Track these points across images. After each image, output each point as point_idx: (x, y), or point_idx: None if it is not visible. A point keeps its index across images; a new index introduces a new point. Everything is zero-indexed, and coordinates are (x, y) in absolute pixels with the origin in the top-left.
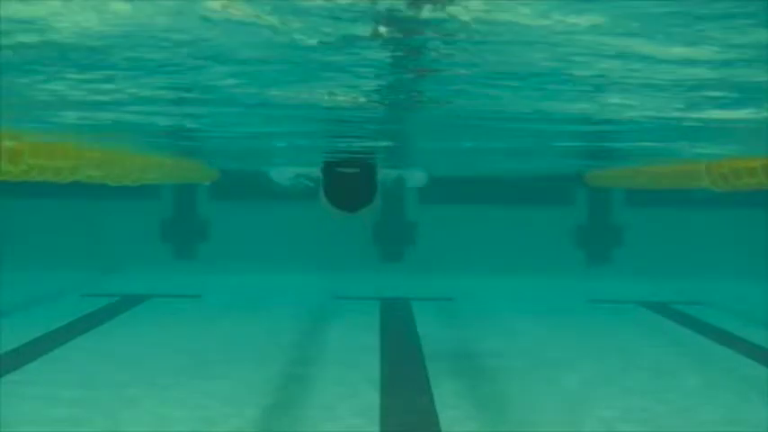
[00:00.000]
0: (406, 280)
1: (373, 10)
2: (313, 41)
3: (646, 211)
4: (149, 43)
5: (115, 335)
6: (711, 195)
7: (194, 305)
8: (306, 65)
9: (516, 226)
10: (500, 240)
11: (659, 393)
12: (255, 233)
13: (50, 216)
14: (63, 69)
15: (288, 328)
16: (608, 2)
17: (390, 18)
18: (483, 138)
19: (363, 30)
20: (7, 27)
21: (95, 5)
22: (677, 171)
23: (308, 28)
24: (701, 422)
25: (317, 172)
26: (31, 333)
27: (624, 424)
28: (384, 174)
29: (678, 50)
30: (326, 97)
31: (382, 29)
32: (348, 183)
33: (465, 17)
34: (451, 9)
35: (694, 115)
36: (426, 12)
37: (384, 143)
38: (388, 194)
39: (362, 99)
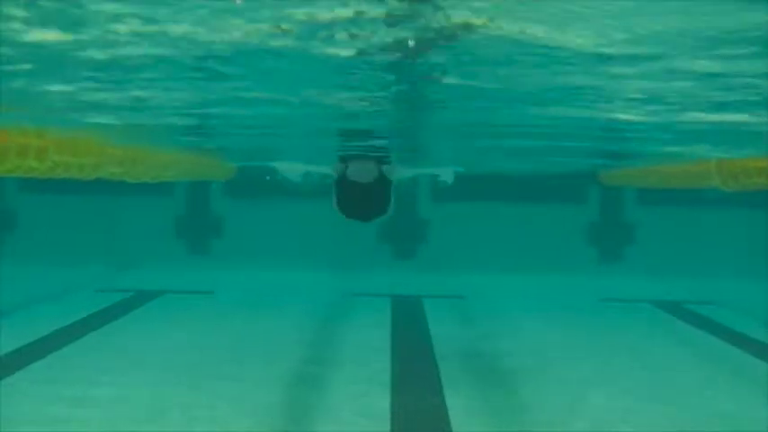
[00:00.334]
0: (418, 277)
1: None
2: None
3: (658, 210)
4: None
5: (129, 330)
6: (723, 195)
7: (207, 301)
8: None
9: (528, 224)
10: (512, 238)
11: (667, 392)
12: (268, 230)
13: (65, 212)
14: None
15: (300, 324)
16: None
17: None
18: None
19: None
20: None
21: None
22: (688, 171)
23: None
24: (710, 420)
25: (328, 170)
26: (47, 328)
27: (630, 423)
28: (411, 171)
29: None
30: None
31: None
32: (361, 193)
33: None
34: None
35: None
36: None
37: (400, 142)
38: (400, 192)
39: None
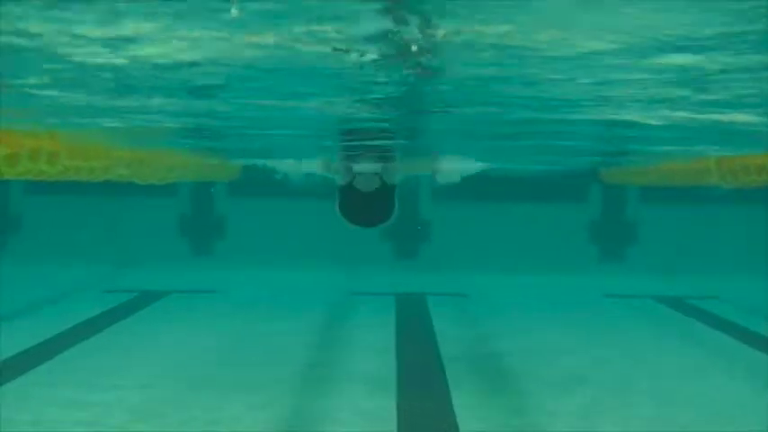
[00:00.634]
0: (421, 277)
1: None
2: None
3: (659, 208)
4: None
5: (132, 331)
6: (725, 192)
7: (211, 301)
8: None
9: (530, 222)
10: (514, 237)
11: (674, 389)
12: (272, 230)
13: (70, 213)
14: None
15: (303, 324)
16: None
17: None
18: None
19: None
20: None
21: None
22: (688, 168)
23: None
24: (717, 417)
25: (332, 172)
26: (51, 328)
27: (639, 422)
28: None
29: None
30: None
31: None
32: (365, 201)
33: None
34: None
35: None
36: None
37: (405, 142)
38: (402, 192)
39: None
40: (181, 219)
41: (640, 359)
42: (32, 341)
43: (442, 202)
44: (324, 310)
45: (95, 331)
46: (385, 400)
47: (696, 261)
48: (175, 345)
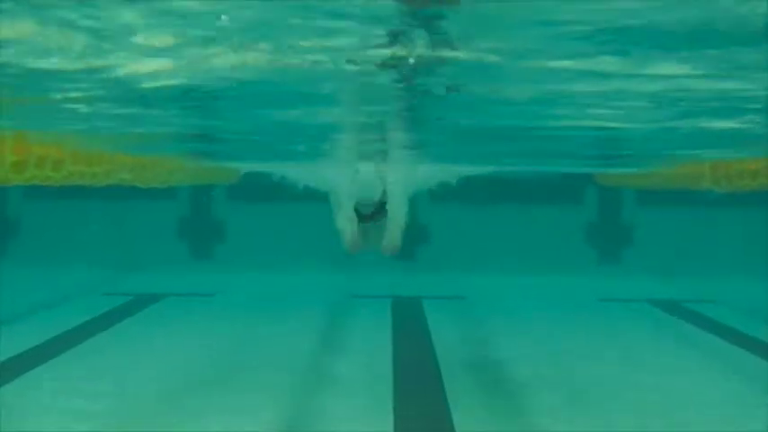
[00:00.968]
0: (419, 279)
1: None
2: None
3: (656, 210)
4: None
5: (133, 334)
6: (721, 195)
7: (210, 305)
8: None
9: (527, 225)
10: (511, 239)
11: (669, 391)
12: (271, 233)
13: (69, 216)
14: None
15: (302, 327)
16: None
17: None
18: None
19: None
20: None
21: None
22: (682, 172)
23: None
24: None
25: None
26: (49, 331)
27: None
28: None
29: None
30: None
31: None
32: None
33: None
34: None
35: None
36: None
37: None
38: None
39: None
40: (180, 222)
41: (636, 360)
42: (25, 345)
43: (439, 205)
44: (324, 311)
45: (90, 335)
46: (382, 403)
47: (693, 263)
48: (173, 348)
